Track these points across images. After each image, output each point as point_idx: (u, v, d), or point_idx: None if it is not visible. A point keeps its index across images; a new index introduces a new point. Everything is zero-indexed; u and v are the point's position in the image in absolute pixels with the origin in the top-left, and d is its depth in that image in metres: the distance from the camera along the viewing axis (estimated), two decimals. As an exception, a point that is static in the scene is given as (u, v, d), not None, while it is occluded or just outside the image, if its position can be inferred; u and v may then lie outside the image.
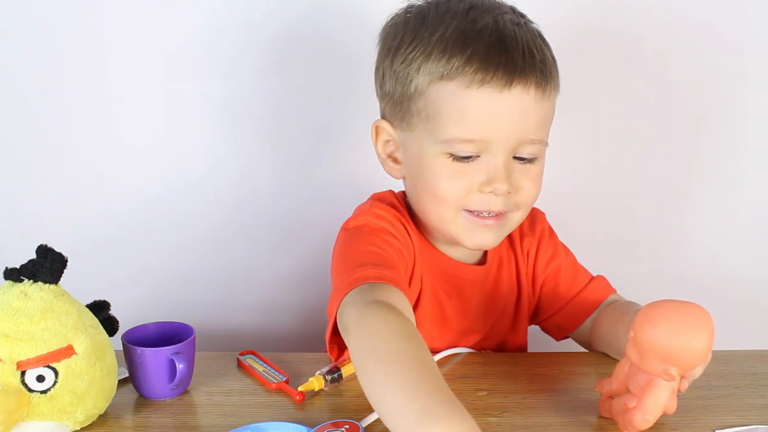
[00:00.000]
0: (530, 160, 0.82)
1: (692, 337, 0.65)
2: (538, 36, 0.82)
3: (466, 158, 0.79)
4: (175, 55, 1.09)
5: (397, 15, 0.85)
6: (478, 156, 0.79)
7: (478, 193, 0.80)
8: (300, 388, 0.78)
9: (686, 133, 1.17)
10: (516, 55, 0.77)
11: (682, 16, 1.11)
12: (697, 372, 0.76)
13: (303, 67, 1.10)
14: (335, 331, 0.76)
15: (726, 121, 1.17)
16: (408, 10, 0.84)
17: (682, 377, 0.72)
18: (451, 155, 0.79)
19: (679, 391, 0.73)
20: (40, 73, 1.08)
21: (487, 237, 0.83)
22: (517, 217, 0.85)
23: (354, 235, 0.84)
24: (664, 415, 0.75)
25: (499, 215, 0.82)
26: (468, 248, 0.85)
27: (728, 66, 1.14)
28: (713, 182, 1.20)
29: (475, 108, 0.77)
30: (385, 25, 0.86)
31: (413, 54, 0.79)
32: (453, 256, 0.91)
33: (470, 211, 0.81)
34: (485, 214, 0.81)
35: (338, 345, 0.80)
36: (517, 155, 0.81)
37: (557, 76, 0.84)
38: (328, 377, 0.80)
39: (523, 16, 0.83)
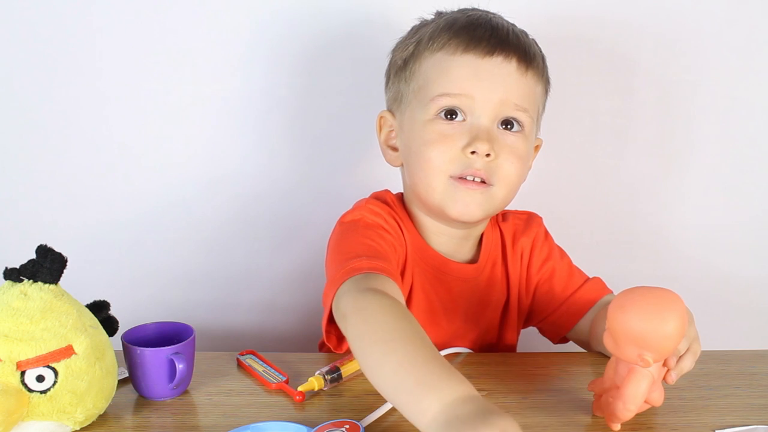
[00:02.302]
0: (516, 132, 0.85)
1: (661, 320, 0.65)
2: (531, 39, 0.88)
3: (451, 118, 0.83)
4: (174, 56, 1.08)
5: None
6: (464, 120, 0.83)
7: (461, 156, 0.83)
8: (300, 388, 0.78)
9: (685, 133, 1.18)
10: (501, 33, 0.84)
11: (680, 17, 1.12)
12: (687, 365, 0.76)
13: (303, 68, 1.10)
14: (330, 319, 0.78)
15: (725, 121, 1.17)
16: (419, 20, 0.92)
17: (668, 369, 0.73)
18: (437, 115, 0.83)
19: (666, 382, 0.73)
20: (39, 75, 1.08)
21: (470, 203, 0.84)
22: (499, 195, 0.86)
23: (350, 228, 0.86)
24: (664, 415, 0.75)
25: (483, 182, 0.84)
26: (453, 218, 0.86)
27: (727, 66, 1.14)
28: (712, 182, 1.20)
29: (458, 68, 0.83)
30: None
31: (412, 40, 0.88)
32: (445, 253, 0.92)
33: (455, 178, 0.84)
34: (469, 178, 0.83)
35: (335, 333, 0.81)
36: (502, 121, 0.84)
37: (544, 70, 0.88)
38: (328, 377, 0.80)
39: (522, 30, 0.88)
